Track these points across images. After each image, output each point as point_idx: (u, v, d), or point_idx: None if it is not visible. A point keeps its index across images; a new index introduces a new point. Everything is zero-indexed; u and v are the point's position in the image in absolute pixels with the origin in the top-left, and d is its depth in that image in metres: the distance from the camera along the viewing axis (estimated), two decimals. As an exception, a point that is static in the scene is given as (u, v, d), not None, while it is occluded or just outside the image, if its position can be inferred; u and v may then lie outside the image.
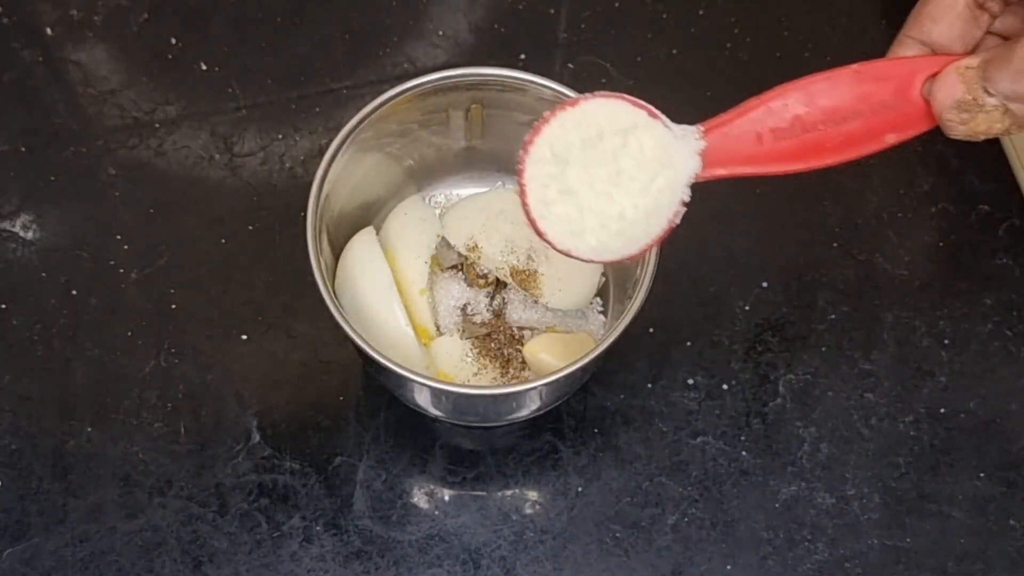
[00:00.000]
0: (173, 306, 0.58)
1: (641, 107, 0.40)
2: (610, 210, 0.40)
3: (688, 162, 0.40)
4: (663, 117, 0.40)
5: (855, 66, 0.38)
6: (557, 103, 0.41)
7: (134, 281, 0.59)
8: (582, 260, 0.41)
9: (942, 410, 0.57)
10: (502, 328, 0.55)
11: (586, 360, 0.47)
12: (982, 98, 0.37)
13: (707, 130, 0.40)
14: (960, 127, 0.38)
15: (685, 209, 0.41)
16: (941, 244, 0.61)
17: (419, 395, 0.50)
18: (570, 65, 0.65)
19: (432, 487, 0.55)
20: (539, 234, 0.41)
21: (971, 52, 0.39)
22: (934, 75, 0.38)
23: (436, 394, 0.49)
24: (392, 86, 0.50)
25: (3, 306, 0.58)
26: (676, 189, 0.40)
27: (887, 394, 0.57)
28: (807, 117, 0.39)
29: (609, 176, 0.39)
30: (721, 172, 0.40)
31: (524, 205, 0.41)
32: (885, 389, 0.58)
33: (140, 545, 0.53)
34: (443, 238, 0.56)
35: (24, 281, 0.59)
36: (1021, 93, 0.36)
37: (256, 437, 0.56)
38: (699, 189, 0.61)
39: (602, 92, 0.40)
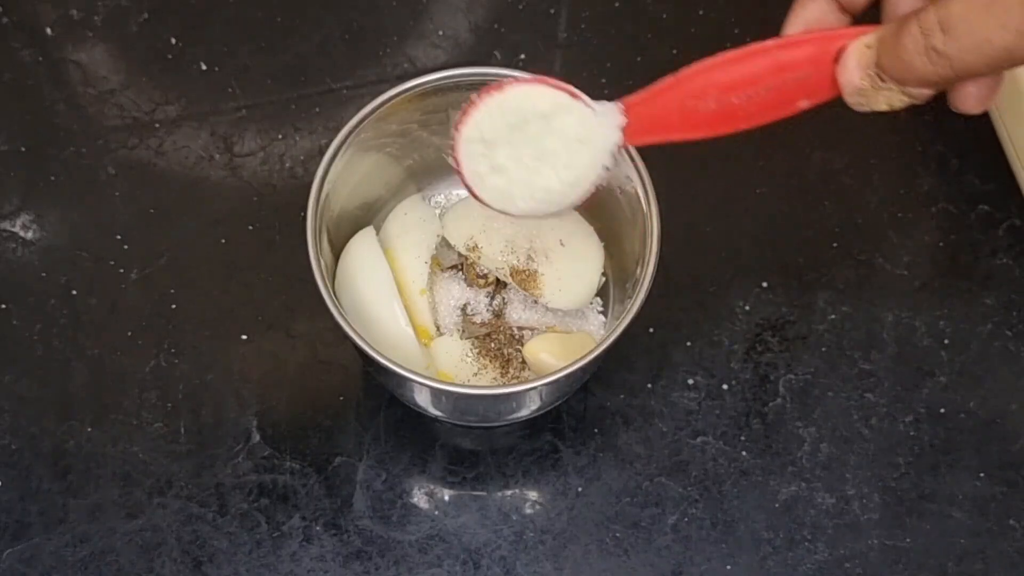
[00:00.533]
0: (173, 306, 0.58)
1: (563, 89, 0.42)
2: (537, 182, 0.43)
3: (609, 136, 0.42)
4: (584, 97, 0.42)
5: (771, 43, 0.39)
6: (484, 85, 0.43)
7: (134, 281, 0.59)
8: (515, 216, 0.45)
9: (942, 410, 0.57)
10: (502, 328, 0.55)
11: (586, 360, 0.47)
12: (878, 82, 0.37)
13: (627, 107, 0.42)
14: (863, 107, 0.38)
15: (608, 172, 0.43)
16: (941, 244, 0.61)
17: (419, 395, 0.50)
18: (570, 65, 0.65)
19: (432, 487, 0.55)
20: (476, 198, 0.45)
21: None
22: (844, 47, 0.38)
23: (436, 394, 0.49)
24: (392, 86, 0.50)
25: (3, 306, 0.58)
26: (598, 160, 0.43)
27: (887, 394, 0.57)
28: (723, 92, 0.40)
29: (535, 154, 0.43)
30: (639, 141, 0.43)
31: (460, 175, 0.44)
32: (885, 389, 0.58)
33: (140, 545, 0.53)
34: (443, 238, 0.56)
35: (24, 281, 0.59)
36: (910, 80, 0.36)
37: (256, 437, 0.56)
38: (699, 190, 0.62)
39: (525, 76, 0.43)
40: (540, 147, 0.42)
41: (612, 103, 0.42)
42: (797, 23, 0.41)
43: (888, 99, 0.37)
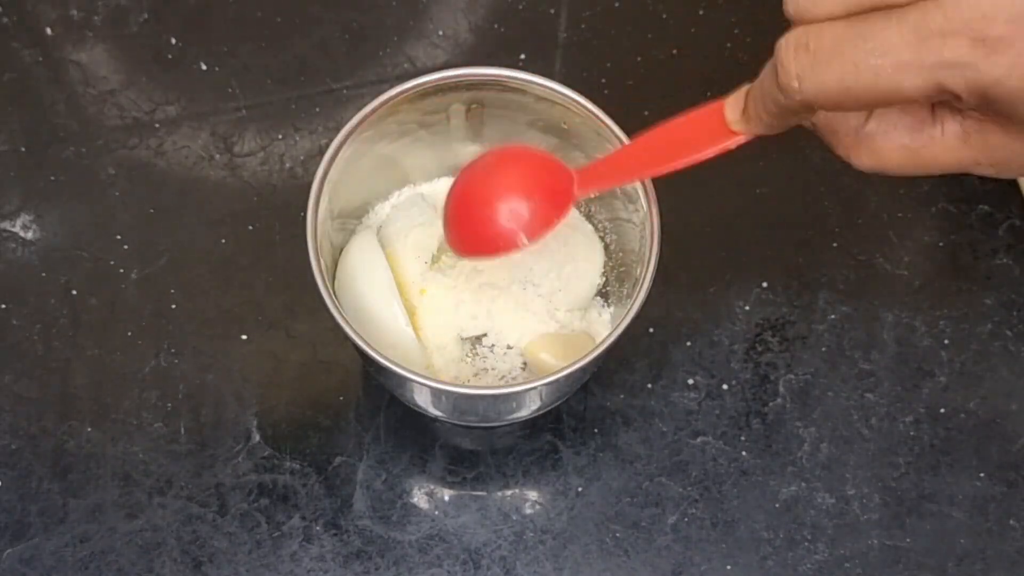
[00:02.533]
0: (173, 306, 0.58)
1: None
2: None
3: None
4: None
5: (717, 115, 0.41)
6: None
7: (134, 281, 0.59)
8: None
9: (942, 410, 0.57)
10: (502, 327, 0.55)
11: (586, 360, 0.47)
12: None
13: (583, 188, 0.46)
14: None
15: None
16: (941, 244, 0.61)
17: (419, 395, 0.50)
18: (570, 65, 0.65)
19: (432, 487, 0.55)
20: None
21: None
22: None
23: (436, 394, 0.49)
24: (392, 86, 0.50)
25: (3, 306, 0.58)
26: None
27: (887, 394, 0.57)
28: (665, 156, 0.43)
29: None
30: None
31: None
32: (885, 389, 0.58)
33: (140, 545, 0.53)
34: (443, 238, 0.56)
35: (24, 281, 0.59)
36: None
37: (256, 437, 0.56)
38: (700, 190, 0.62)
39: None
40: None
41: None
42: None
43: None
